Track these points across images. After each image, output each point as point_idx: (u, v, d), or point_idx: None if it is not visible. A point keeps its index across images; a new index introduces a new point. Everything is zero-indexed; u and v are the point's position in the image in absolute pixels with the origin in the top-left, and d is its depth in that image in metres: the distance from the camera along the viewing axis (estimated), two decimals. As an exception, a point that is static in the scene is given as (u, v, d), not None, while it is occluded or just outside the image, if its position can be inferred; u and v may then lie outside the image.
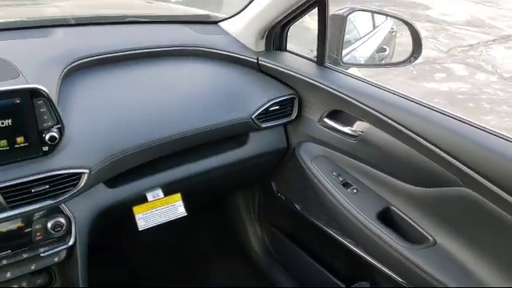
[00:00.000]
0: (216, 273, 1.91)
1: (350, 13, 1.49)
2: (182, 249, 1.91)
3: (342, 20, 1.47)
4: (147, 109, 1.30)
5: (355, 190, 1.39)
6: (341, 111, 1.41)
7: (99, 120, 1.21)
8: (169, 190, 1.36)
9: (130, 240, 1.68)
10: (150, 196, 1.33)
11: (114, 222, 1.33)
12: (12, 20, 1.49)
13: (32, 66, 1.18)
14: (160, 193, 1.34)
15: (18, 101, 1.03)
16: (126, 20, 1.63)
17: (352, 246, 1.44)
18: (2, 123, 1.02)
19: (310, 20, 1.58)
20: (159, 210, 1.33)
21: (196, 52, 1.52)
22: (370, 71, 1.46)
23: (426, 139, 1.15)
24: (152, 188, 1.34)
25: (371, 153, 1.36)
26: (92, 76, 1.32)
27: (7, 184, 1.03)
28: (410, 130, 1.18)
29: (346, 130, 1.40)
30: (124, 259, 1.72)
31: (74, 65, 1.29)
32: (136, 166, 1.28)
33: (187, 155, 1.40)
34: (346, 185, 1.41)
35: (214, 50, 1.53)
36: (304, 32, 1.57)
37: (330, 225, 1.50)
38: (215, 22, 1.70)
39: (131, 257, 1.79)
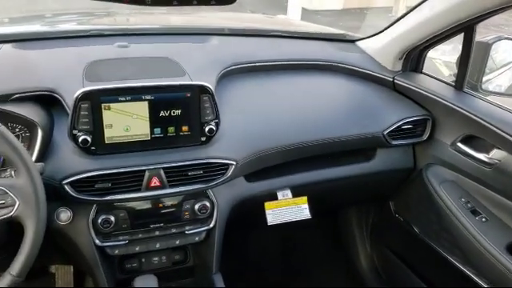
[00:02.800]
0: (320, 282, 1.95)
1: (496, 41, 1.47)
2: (291, 250, 1.98)
3: (486, 47, 1.46)
4: (289, 115, 1.41)
5: (484, 219, 1.36)
6: (477, 137, 1.39)
7: (247, 120, 1.35)
8: (296, 192, 1.44)
9: (250, 233, 1.79)
10: (280, 195, 1.42)
11: (246, 215, 1.44)
12: (175, 26, 1.70)
13: (194, 67, 1.35)
14: (289, 193, 1.43)
15: (189, 95, 1.19)
16: (271, 34, 1.76)
17: (474, 276, 1.40)
18: (173, 112, 1.19)
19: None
20: (287, 209, 1.42)
21: (335, 67, 1.61)
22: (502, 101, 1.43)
23: None
24: (282, 188, 1.43)
25: (507, 183, 1.32)
26: (242, 80, 1.47)
27: (171, 165, 1.19)
28: None
29: (481, 156, 1.38)
30: (238, 249, 1.81)
31: (228, 69, 1.44)
32: (272, 165, 1.39)
33: (317, 162, 1.48)
34: (474, 212, 1.38)
35: (352, 67, 1.61)
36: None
37: (451, 252, 1.47)
38: (352, 41, 1.77)
39: (245, 248, 1.88)
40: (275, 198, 1.42)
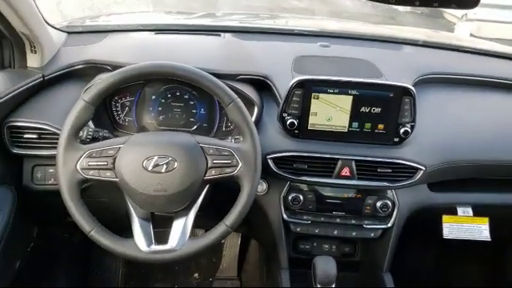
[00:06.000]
0: None
1: None
2: (451, 270, 1.89)
3: None
4: (484, 130, 1.37)
5: None
6: None
7: (440, 129, 1.35)
8: (477, 211, 1.40)
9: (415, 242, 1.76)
10: (460, 210, 1.39)
11: (421, 223, 1.44)
12: (371, 33, 1.77)
13: (391, 71, 1.40)
14: (470, 211, 1.39)
15: (392, 95, 1.24)
16: (465, 49, 1.73)
17: None
18: (373, 110, 1.25)
19: None
20: (466, 226, 1.39)
21: None
22: None
23: None
24: (463, 204, 1.40)
25: None
26: (436, 90, 1.47)
27: (363, 158, 1.26)
28: None
29: None
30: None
31: (424, 77, 1.45)
32: (458, 179, 1.37)
33: (504, 184, 1.41)
34: None
35: None
36: None
37: None
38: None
39: (406, 256, 1.85)
40: (454, 212, 1.40)
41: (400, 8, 8.87)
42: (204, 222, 1.19)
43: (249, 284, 1.89)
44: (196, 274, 1.96)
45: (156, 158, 1.04)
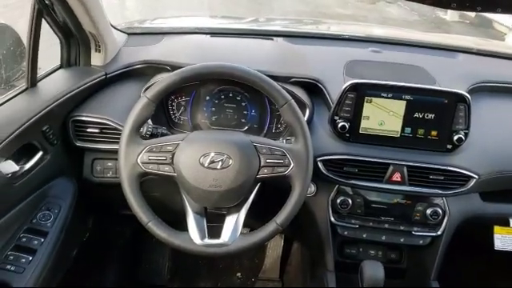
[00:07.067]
0: None
1: None
2: (497, 284, 1.83)
3: None
4: None
5: None
6: None
7: (495, 136, 1.33)
8: None
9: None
10: (512, 222, 1.36)
11: (471, 232, 1.41)
12: (422, 40, 1.75)
13: (444, 77, 1.38)
14: None
15: (446, 101, 1.23)
16: (509, 56, 1.69)
17: None
18: (427, 116, 1.24)
19: None
20: (519, 238, 1.36)
21: None
22: None
23: None
24: None
25: None
26: (490, 99, 1.44)
27: (415, 164, 1.25)
28: None
29: None
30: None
31: (478, 85, 1.43)
32: (509, 189, 1.34)
33: None
34: None
35: None
36: None
37: None
38: None
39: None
40: (506, 223, 1.37)
41: (447, 17, 8.69)
42: (249, 221, 1.22)
43: (291, 286, 1.90)
44: (239, 274, 1.99)
45: (212, 154, 1.07)
